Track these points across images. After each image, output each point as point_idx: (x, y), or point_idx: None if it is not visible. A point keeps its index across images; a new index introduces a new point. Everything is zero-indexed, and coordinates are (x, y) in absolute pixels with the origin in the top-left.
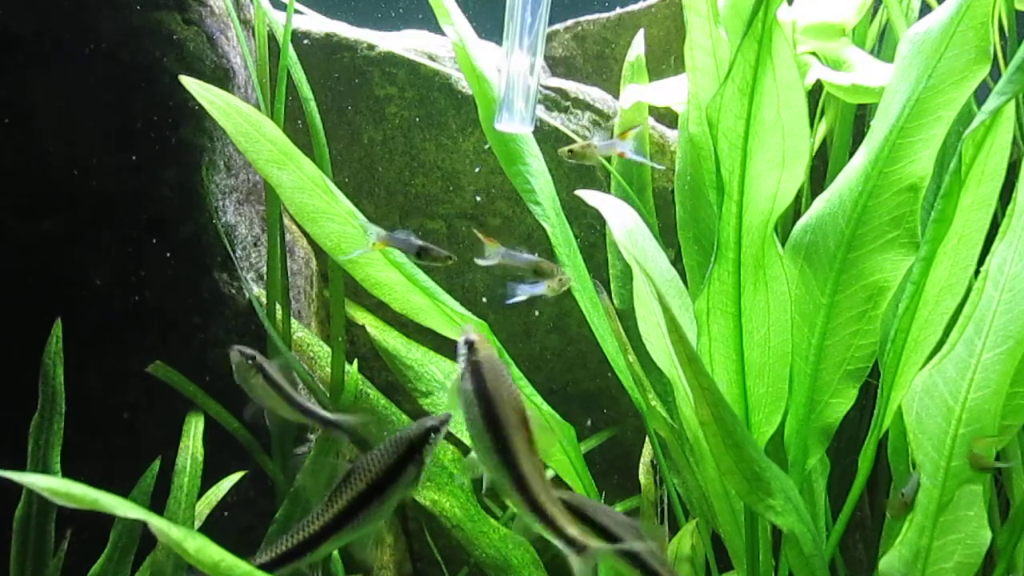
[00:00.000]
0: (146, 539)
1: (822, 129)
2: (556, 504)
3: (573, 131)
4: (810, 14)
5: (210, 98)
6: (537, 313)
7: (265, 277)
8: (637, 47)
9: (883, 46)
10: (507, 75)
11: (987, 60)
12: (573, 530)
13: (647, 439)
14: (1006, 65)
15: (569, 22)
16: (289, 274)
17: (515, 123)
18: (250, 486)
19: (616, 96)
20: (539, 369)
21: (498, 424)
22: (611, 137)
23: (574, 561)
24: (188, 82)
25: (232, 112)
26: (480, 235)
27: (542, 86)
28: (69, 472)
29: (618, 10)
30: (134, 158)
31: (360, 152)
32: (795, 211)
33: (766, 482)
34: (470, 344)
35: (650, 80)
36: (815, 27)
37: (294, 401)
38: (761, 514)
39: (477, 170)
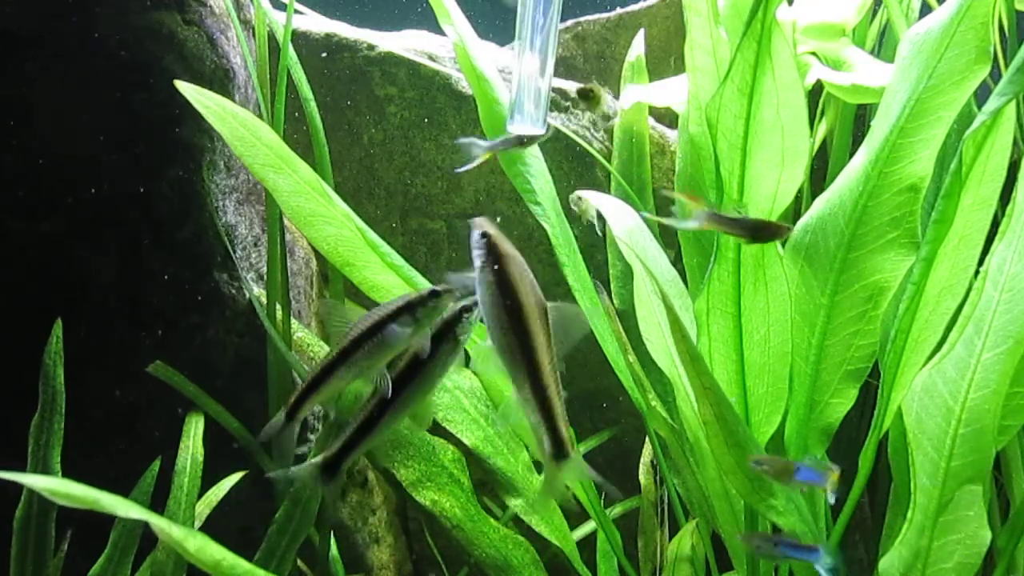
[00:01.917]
0: (146, 539)
1: (822, 129)
2: (560, 406)
3: (573, 131)
4: (810, 14)
5: (206, 103)
6: None
7: (265, 277)
8: (637, 47)
9: (883, 46)
10: (518, 76)
11: (987, 60)
12: (566, 435)
13: (647, 439)
14: (1006, 65)
15: (569, 22)
16: (289, 274)
17: (527, 125)
18: (250, 486)
19: (616, 96)
20: None
21: (519, 317)
22: (610, 138)
23: (549, 467)
24: (184, 87)
25: (228, 117)
26: None
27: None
28: (69, 472)
29: (618, 10)
30: (134, 158)
31: (360, 152)
32: (795, 211)
33: (768, 482)
34: (487, 237)
35: (650, 80)
36: (815, 27)
37: None
38: (763, 514)
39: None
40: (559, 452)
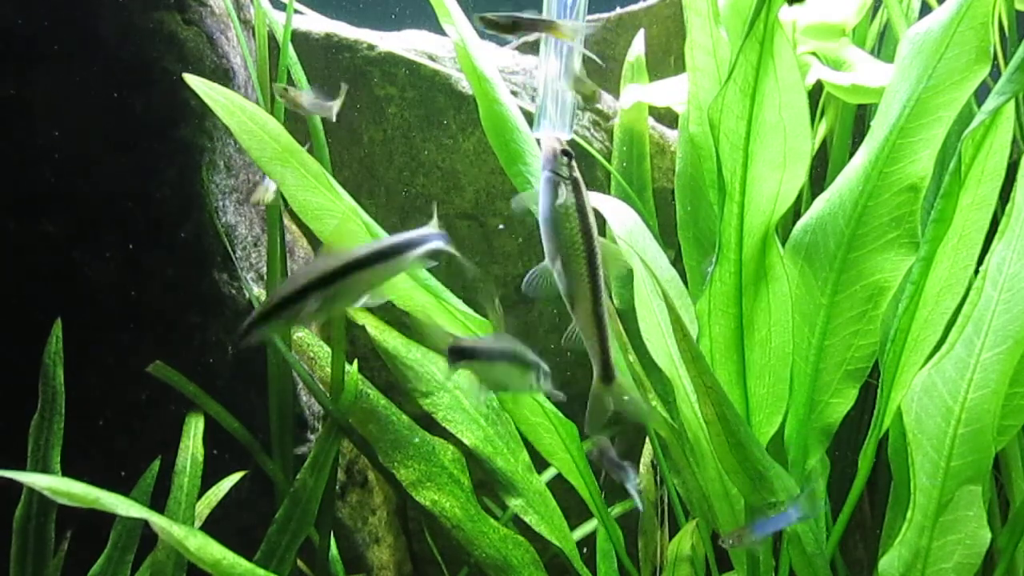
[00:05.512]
0: (146, 539)
1: (822, 129)
2: (610, 334)
3: (574, 131)
4: (810, 14)
5: (213, 96)
6: (537, 313)
7: (265, 277)
8: (637, 47)
9: (883, 46)
10: (543, 83)
11: (987, 60)
12: (613, 360)
13: (647, 439)
14: (1006, 65)
15: None
16: (289, 274)
17: (551, 130)
18: (250, 486)
19: (616, 96)
20: None
21: (591, 242)
22: (609, 138)
23: (598, 387)
24: (193, 80)
25: (236, 110)
26: None
27: None
28: (69, 472)
29: (618, 10)
30: (134, 158)
31: (360, 152)
32: (795, 211)
33: (769, 481)
34: (569, 157)
35: (650, 80)
36: (815, 27)
37: None
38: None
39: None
40: (607, 375)
